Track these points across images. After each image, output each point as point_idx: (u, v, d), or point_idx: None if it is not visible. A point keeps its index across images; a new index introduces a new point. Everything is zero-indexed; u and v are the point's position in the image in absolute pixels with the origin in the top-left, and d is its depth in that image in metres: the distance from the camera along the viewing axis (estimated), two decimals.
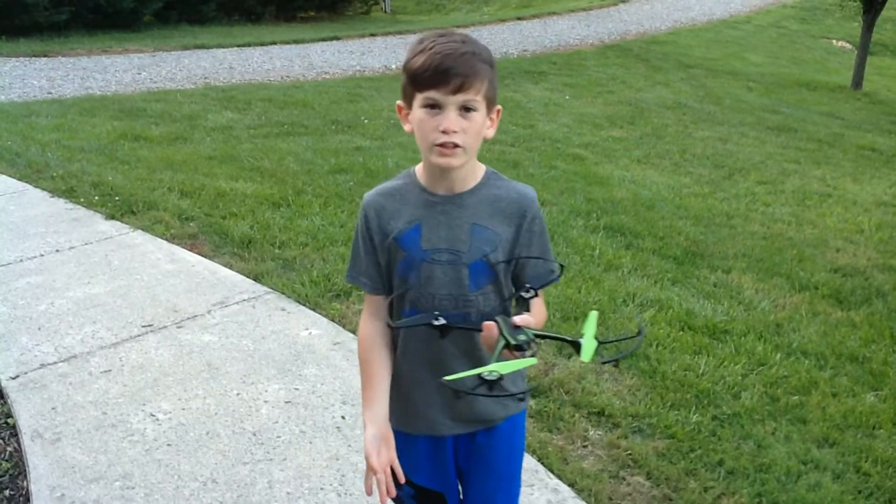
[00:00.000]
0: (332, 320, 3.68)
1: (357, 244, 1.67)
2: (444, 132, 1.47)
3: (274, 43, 14.00)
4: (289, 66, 11.80)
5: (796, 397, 3.25)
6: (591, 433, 2.91)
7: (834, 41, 19.60)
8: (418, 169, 1.63)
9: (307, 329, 3.59)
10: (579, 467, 2.70)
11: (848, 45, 18.65)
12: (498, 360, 1.34)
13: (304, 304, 3.83)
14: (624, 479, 2.67)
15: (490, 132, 1.56)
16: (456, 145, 1.48)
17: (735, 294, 4.28)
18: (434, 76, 1.45)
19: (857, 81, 13.18)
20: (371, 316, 1.70)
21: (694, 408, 3.09)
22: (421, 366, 1.65)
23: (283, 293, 3.94)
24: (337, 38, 14.97)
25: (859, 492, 2.71)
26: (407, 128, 1.56)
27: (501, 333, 1.38)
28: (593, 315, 1.45)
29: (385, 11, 22.41)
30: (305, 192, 5.51)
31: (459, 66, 1.45)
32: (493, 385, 1.29)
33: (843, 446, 2.95)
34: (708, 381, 3.29)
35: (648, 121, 9.18)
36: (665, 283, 4.35)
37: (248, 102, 8.71)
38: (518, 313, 1.46)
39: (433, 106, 1.47)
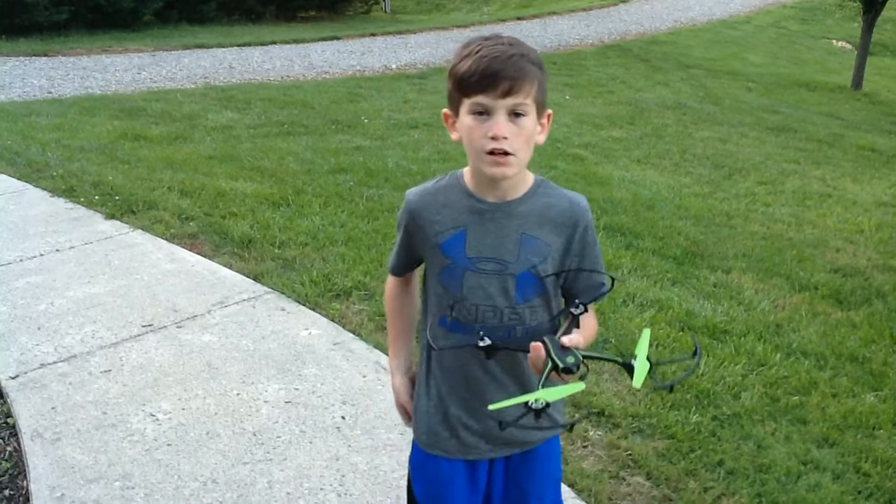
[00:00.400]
0: (332, 320, 3.68)
1: (398, 232, 1.67)
2: (493, 138, 1.40)
3: (274, 42, 14.00)
4: (289, 65, 11.80)
5: (796, 398, 3.25)
6: (591, 433, 2.91)
7: (834, 41, 19.61)
8: (465, 173, 1.57)
9: (307, 329, 3.59)
10: (579, 467, 2.70)
11: (848, 46, 18.66)
12: (545, 384, 1.28)
13: (303, 304, 3.83)
14: (624, 479, 2.67)
15: (541, 137, 1.49)
16: (507, 153, 1.42)
17: (735, 294, 4.28)
18: (481, 80, 1.39)
19: (857, 82, 13.18)
20: (399, 282, 1.75)
21: (694, 408, 3.09)
22: (457, 384, 1.59)
23: (282, 293, 3.94)
24: (337, 38, 14.97)
25: (859, 492, 2.71)
26: (454, 136, 1.50)
27: (549, 355, 1.31)
28: (646, 334, 1.38)
29: (385, 11, 22.41)
30: (305, 191, 5.51)
31: (508, 69, 1.39)
32: (540, 413, 1.23)
33: (843, 447, 2.95)
34: (708, 381, 3.29)
35: (648, 121, 9.19)
36: (665, 283, 4.35)
37: (248, 102, 8.71)
38: (567, 331, 1.39)
39: (481, 112, 1.42)
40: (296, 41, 14.34)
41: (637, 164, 7.17)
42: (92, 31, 14.07)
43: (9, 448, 2.73)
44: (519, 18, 18.79)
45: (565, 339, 1.33)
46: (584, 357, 1.32)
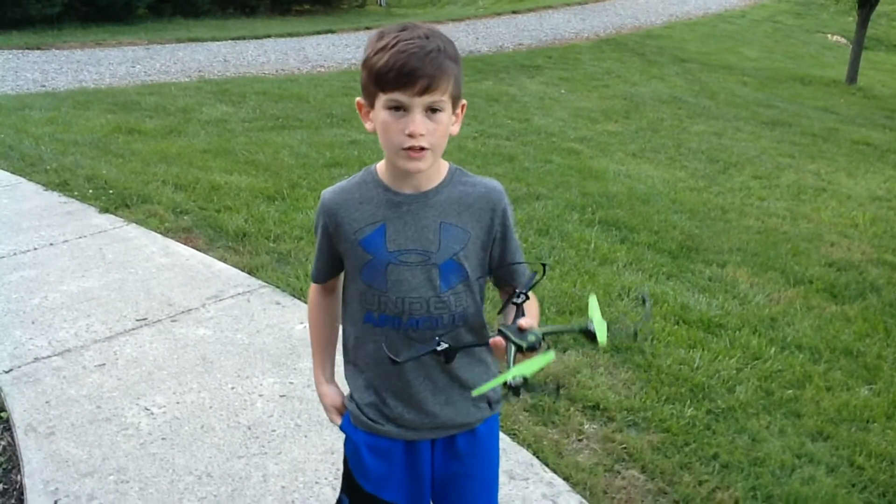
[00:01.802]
0: None
1: (316, 237, 1.65)
2: (410, 135, 1.40)
3: (269, 36, 13.95)
4: (284, 59, 11.77)
5: (791, 391, 3.26)
6: (586, 427, 2.91)
7: (829, 36, 19.63)
8: (379, 167, 1.57)
9: (302, 323, 3.58)
10: (574, 461, 2.70)
11: (842, 40, 18.67)
12: (512, 360, 1.32)
13: (298, 298, 3.82)
14: (619, 472, 2.68)
15: (455, 128, 1.50)
16: (423, 148, 1.42)
17: (730, 288, 4.28)
18: (399, 77, 1.37)
19: (852, 76, 13.19)
20: (321, 290, 1.74)
21: (689, 402, 3.09)
22: (394, 371, 1.58)
23: (277, 287, 3.93)
24: (332, 32, 14.93)
25: (853, 485, 2.72)
26: (369, 126, 1.50)
27: (510, 340, 1.35)
28: (594, 299, 1.42)
29: (380, 5, 22.35)
30: (300, 185, 5.50)
31: (426, 67, 1.37)
32: (518, 390, 1.27)
33: (837, 440, 2.96)
34: (703, 375, 3.29)
35: (643, 115, 9.18)
36: (660, 277, 4.35)
37: (242, 96, 8.68)
38: (516, 317, 1.40)
39: (398, 108, 1.41)
40: (290, 35, 14.29)
41: (632, 159, 7.18)
42: (85, 25, 14.00)
43: (2, 442, 2.72)
44: (514, 12, 18.74)
45: (522, 322, 1.36)
46: (543, 334, 1.36)
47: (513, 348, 1.34)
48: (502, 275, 1.60)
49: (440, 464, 1.68)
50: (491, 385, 1.32)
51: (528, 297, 1.46)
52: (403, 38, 1.40)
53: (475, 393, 1.32)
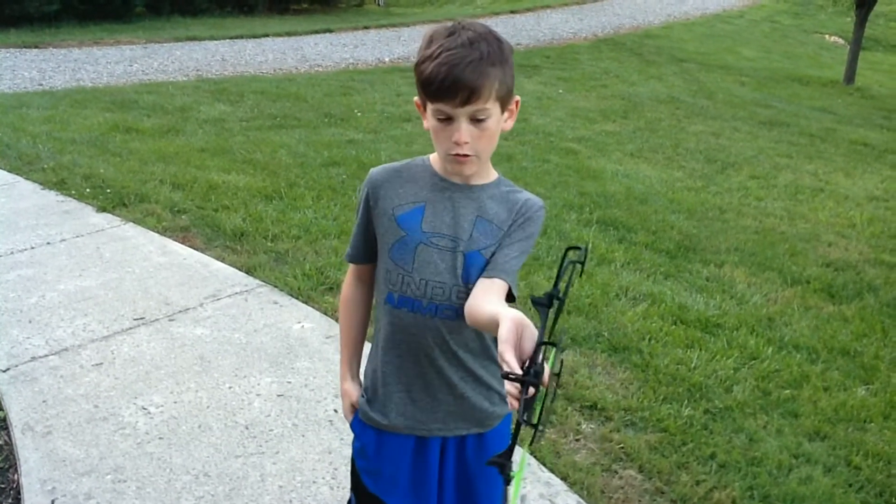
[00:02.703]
0: (325, 314, 3.67)
1: (357, 212, 1.67)
2: (456, 143, 1.44)
3: (266, 35, 13.94)
4: (281, 58, 11.76)
5: (788, 391, 3.26)
6: (584, 426, 2.91)
7: (826, 36, 19.65)
8: (433, 157, 1.60)
9: (300, 322, 3.58)
10: (572, 461, 2.70)
11: (840, 41, 18.70)
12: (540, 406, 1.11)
13: (296, 298, 3.82)
14: (616, 472, 2.68)
15: (509, 124, 1.52)
16: (468, 155, 1.46)
17: (727, 288, 4.29)
18: (440, 90, 1.40)
19: (850, 76, 13.20)
20: (356, 280, 1.75)
21: (686, 401, 3.10)
22: (408, 358, 1.60)
23: (275, 286, 3.93)
24: (330, 31, 14.93)
25: (850, 485, 2.73)
26: (426, 125, 1.53)
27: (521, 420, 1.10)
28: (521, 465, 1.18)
29: (378, 4, 22.34)
30: (298, 184, 5.50)
31: (467, 77, 1.38)
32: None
33: (834, 440, 2.96)
34: (700, 374, 3.30)
35: (641, 115, 9.19)
36: (658, 276, 4.35)
37: (240, 95, 8.67)
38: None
39: (444, 118, 1.44)
40: (288, 34, 14.29)
41: (630, 158, 7.18)
42: (83, 23, 13.98)
43: None
44: (512, 12, 18.74)
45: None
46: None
47: (541, 391, 1.13)
48: (491, 262, 1.54)
49: (449, 466, 1.68)
50: (521, 468, 1.10)
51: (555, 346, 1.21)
52: (447, 46, 1.41)
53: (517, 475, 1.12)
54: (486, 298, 1.43)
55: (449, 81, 1.39)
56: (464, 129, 1.43)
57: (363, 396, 1.71)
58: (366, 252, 1.67)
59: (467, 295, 1.52)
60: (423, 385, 1.61)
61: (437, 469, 1.68)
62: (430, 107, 1.46)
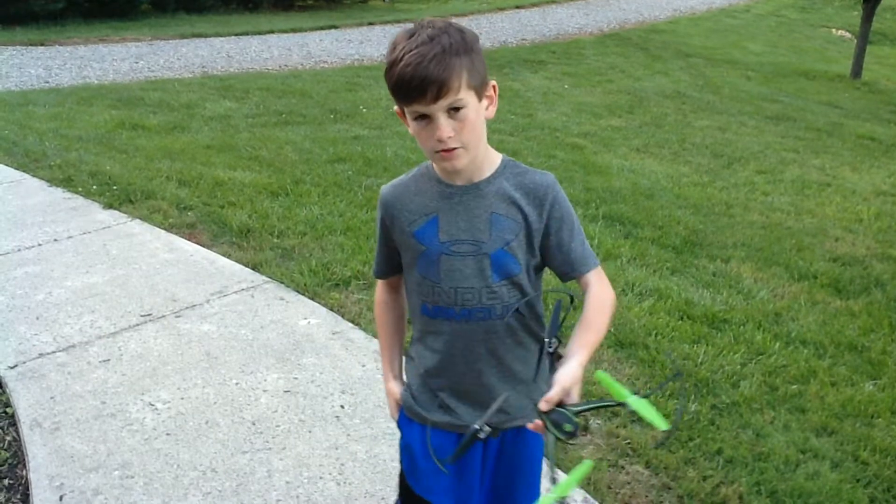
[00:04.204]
0: (331, 310, 3.68)
1: (377, 232, 1.69)
2: (439, 140, 1.44)
3: (272, 32, 13.96)
4: (287, 54, 11.76)
5: (795, 386, 3.25)
6: (591, 422, 2.91)
7: (833, 30, 19.57)
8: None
9: (306, 318, 3.59)
10: (578, 456, 2.69)
11: (847, 35, 18.62)
12: (554, 450, 1.36)
13: (302, 294, 3.83)
14: (623, 467, 2.68)
15: (491, 110, 1.51)
16: (454, 148, 1.45)
17: (734, 283, 4.28)
18: (410, 90, 1.40)
19: (857, 71, 13.14)
20: (388, 288, 1.78)
21: (693, 397, 3.09)
22: (447, 360, 1.62)
23: (281, 282, 3.93)
24: (335, 27, 14.93)
25: (857, 480, 2.72)
26: (410, 131, 1.53)
27: (547, 429, 1.33)
28: (604, 376, 1.43)
29: (383, 0, 22.31)
30: (304, 181, 5.50)
31: (432, 72, 1.38)
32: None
33: (841, 435, 2.95)
34: (707, 370, 3.29)
35: (647, 110, 9.16)
36: (664, 272, 4.35)
37: (246, 91, 8.68)
38: (552, 367, 1.41)
39: (421, 117, 1.44)
40: (294, 30, 14.29)
41: (636, 154, 7.16)
42: (89, 21, 14.00)
43: (8, 438, 2.73)
44: (518, 7, 18.71)
45: (544, 404, 1.34)
46: (576, 412, 1.34)
47: (551, 439, 1.33)
48: (558, 264, 1.60)
49: (489, 461, 1.70)
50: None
51: (560, 343, 1.47)
52: (408, 47, 1.41)
53: None
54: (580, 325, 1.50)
55: (416, 80, 1.38)
56: (443, 124, 1.42)
57: (407, 390, 1.73)
58: (391, 267, 1.70)
59: (496, 294, 1.55)
60: (463, 386, 1.63)
61: (479, 464, 1.70)
62: (406, 111, 1.46)
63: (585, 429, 2.82)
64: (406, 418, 1.73)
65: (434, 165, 1.59)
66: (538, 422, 1.35)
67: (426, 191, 1.59)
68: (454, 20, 1.52)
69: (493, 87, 1.51)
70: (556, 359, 1.45)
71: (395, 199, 1.61)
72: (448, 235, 1.55)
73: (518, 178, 1.57)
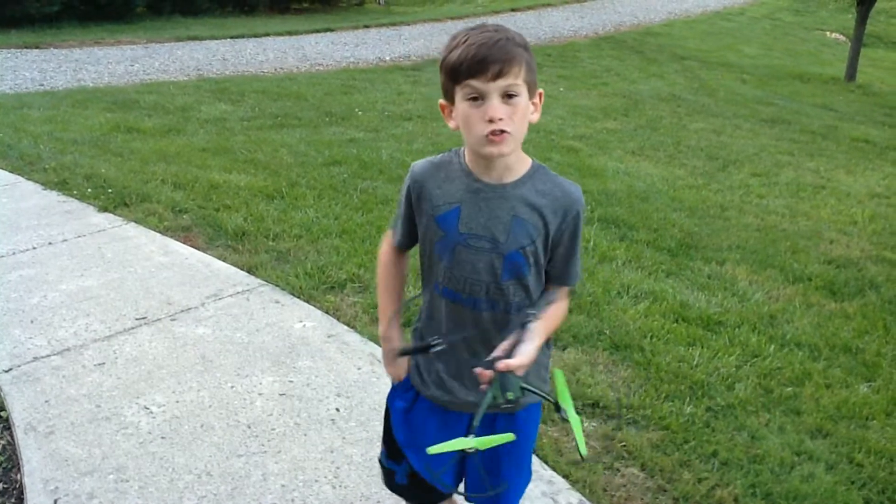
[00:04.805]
0: (327, 313, 3.68)
1: (400, 202, 1.71)
2: (490, 121, 1.46)
3: (267, 34, 13.95)
4: (282, 57, 11.76)
5: (790, 389, 3.26)
6: (586, 425, 2.91)
7: (828, 33, 19.63)
8: (467, 154, 1.62)
9: (301, 321, 3.58)
10: (574, 459, 2.70)
11: (842, 37, 18.68)
12: (484, 412, 1.40)
13: (298, 297, 3.82)
14: (618, 470, 2.68)
15: (535, 116, 1.55)
16: (504, 131, 1.48)
17: (729, 286, 4.28)
18: (471, 66, 1.45)
19: (851, 73, 13.19)
20: (397, 250, 1.80)
21: (688, 399, 3.10)
22: (451, 335, 1.66)
23: (277, 285, 3.93)
24: (331, 30, 14.93)
25: (852, 482, 2.72)
26: (451, 125, 1.56)
27: (492, 386, 1.39)
28: (559, 376, 1.50)
29: (379, 3, 22.32)
30: (299, 184, 5.50)
31: (496, 53, 1.44)
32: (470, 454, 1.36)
33: (836, 437, 2.96)
34: (702, 372, 3.30)
35: (643, 113, 9.18)
36: (659, 274, 4.35)
37: (241, 94, 8.68)
38: (516, 340, 1.47)
39: (475, 97, 1.47)
40: (289, 33, 14.29)
41: (631, 156, 7.17)
42: (84, 23, 13.98)
43: (2, 442, 2.72)
44: (513, 10, 18.75)
45: (513, 362, 1.41)
46: (523, 388, 1.40)
47: (489, 397, 1.39)
48: (555, 271, 1.66)
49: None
50: (448, 447, 1.36)
51: (537, 318, 1.52)
52: (473, 34, 1.48)
53: (430, 451, 1.36)
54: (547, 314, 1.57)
55: (480, 57, 1.44)
56: (497, 105, 1.46)
57: (413, 358, 1.78)
58: (412, 239, 1.75)
59: (502, 293, 1.61)
60: (460, 365, 1.67)
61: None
62: (459, 91, 1.49)
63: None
64: (406, 381, 1.79)
65: (467, 155, 1.61)
66: (487, 373, 1.41)
67: (454, 180, 1.62)
68: (451, 22, 1.56)
69: (540, 94, 1.56)
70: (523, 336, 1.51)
71: (425, 178, 1.65)
72: (468, 228, 1.59)
73: (547, 185, 1.60)
